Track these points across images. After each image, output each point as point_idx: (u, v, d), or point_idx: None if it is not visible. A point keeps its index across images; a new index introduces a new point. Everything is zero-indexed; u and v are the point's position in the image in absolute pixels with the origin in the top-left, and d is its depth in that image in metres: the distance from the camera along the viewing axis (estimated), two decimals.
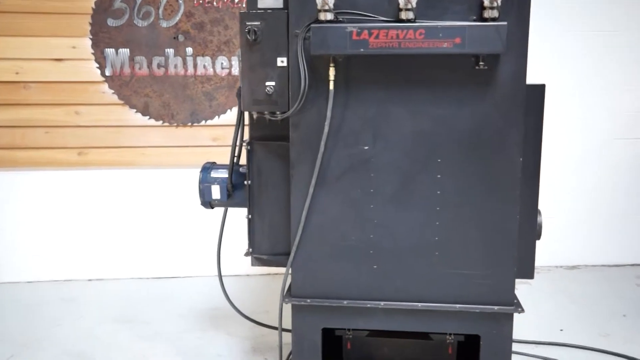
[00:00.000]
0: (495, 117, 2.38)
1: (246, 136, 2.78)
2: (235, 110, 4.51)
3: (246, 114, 2.71)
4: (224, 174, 2.89)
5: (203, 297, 4.29)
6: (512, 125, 2.38)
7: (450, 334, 2.73)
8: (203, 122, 4.55)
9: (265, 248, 2.74)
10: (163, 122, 4.53)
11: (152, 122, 4.53)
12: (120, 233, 4.64)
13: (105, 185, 4.59)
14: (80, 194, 4.59)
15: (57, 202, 4.58)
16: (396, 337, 2.78)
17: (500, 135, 2.39)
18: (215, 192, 2.86)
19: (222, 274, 3.09)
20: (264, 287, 4.52)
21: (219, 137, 4.57)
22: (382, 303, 2.56)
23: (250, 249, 2.75)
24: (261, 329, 3.54)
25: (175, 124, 4.54)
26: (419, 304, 2.54)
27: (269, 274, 4.70)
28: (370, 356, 2.87)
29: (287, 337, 2.84)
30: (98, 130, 4.52)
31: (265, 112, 2.57)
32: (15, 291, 4.43)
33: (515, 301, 2.52)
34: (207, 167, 2.95)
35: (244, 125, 2.74)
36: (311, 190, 2.49)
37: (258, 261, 2.76)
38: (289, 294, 2.63)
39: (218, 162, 3.00)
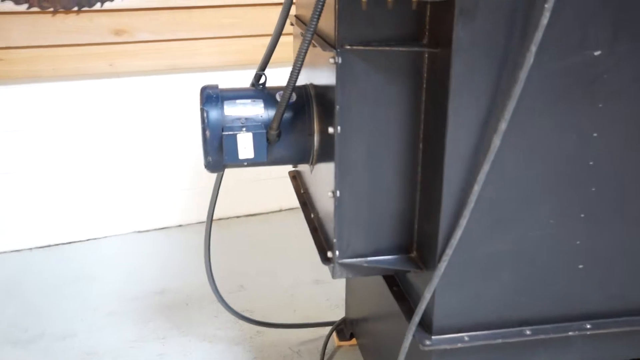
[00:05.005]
0: None
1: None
2: None
3: None
4: (251, 108, 1.51)
5: (127, 272, 2.89)
6: None
7: None
8: (98, 6, 2.88)
9: (362, 246, 1.47)
10: (30, 7, 2.79)
11: (11, 6, 2.77)
12: None
13: None
14: None
15: None
16: None
17: None
18: (246, 148, 1.47)
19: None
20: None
21: (123, 28, 2.96)
22: (588, 324, 1.48)
23: (337, 252, 1.45)
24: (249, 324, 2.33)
25: (52, 10, 2.83)
26: None
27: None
28: None
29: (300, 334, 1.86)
30: None
31: None
32: None
33: None
34: (213, 96, 1.53)
35: (321, 10, 1.34)
36: (497, 142, 1.24)
37: (346, 270, 1.49)
38: (424, 328, 1.43)
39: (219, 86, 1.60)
